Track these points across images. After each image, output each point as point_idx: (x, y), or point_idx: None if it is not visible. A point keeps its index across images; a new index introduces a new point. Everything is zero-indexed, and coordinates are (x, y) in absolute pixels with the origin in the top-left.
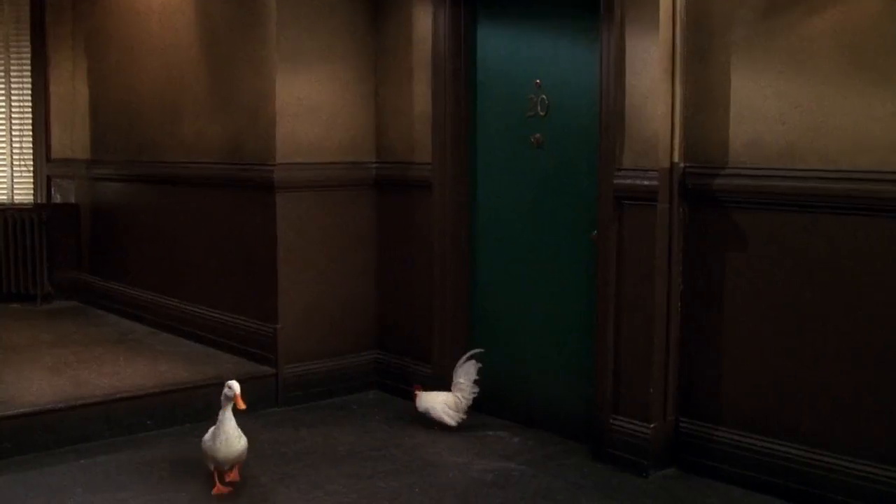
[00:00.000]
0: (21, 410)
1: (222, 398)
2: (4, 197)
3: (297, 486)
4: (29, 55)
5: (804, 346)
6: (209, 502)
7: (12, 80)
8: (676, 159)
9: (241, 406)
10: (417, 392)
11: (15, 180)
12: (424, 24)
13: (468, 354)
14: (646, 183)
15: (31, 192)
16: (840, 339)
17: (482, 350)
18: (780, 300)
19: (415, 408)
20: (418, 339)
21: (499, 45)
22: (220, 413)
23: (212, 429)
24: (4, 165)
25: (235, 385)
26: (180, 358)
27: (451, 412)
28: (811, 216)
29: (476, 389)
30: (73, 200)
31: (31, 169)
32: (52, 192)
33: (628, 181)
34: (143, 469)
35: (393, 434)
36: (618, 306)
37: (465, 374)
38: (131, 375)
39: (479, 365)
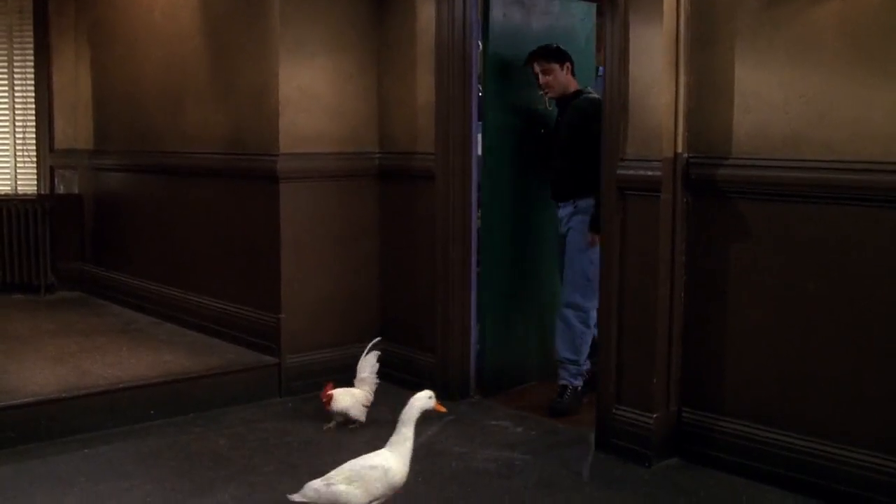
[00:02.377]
0: (24, 400)
1: (414, 410)
2: (8, 187)
3: (300, 476)
4: (32, 45)
5: (807, 336)
6: (212, 491)
7: (15, 70)
8: (680, 149)
9: (443, 409)
10: (333, 392)
11: (18, 171)
12: (428, 14)
13: (370, 346)
14: (649, 173)
15: (35, 182)
16: (843, 329)
17: (379, 338)
18: (783, 291)
19: (326, 408)
20: (422, 329)
21: (509, 33)
22: (404, 430)
23: (383, 455)
24: (7, 156)
25: (431, 393)
26: (183, 348)
27: (364, 409)
28: (815, 207)
29: (378, 380)
30: (76, 191)
31: (35, 159)
32: (56, 182)
33: (631, 171)
34: (147, 459)
35: (396, 423)
36: (621, 297)
37: (370, 368)
38: (134, 365)
39: (379, 353)
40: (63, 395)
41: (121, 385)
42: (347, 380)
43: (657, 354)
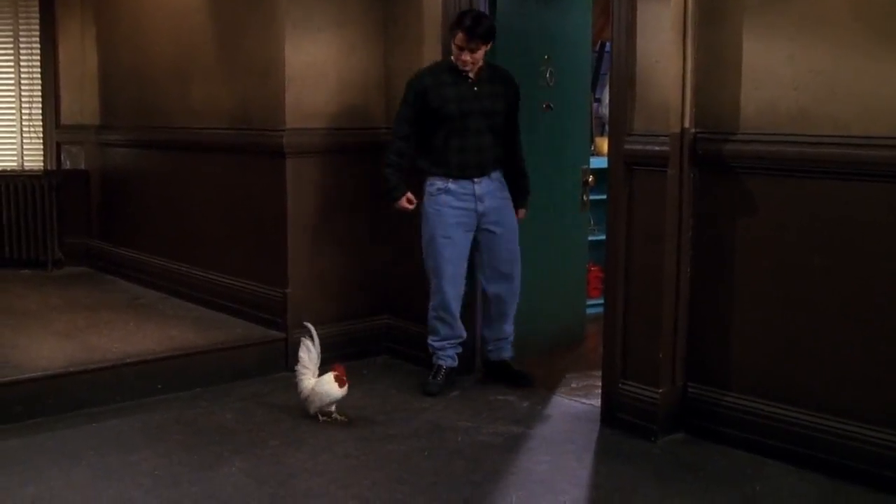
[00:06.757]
0: (32, 375)
1: None
2: (14, 163)
3: (307, 449)
4: (38, 20)
5: (813, 312)
6: (219, 465)
7: (21, 46)
8: (687, 124)
9: None
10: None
11: (25, 147)
12: None
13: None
14: (656, 148)
15: (41, 158)
16: (850, 304)
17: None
18: (789, 266)
19: (341, 386)
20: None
21: (516, 6)
22: None
23: None
24: (14, 132)
25: None
26: (190, 322)
27: None
28: (823, 183)
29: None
30: (82, 166)
31: (41, 135)
32: (62, 158)
33: (639, 146)
34: (154, 432)
35: (402, 398)
36: (627, 272)
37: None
38: (141, 340)
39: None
40: (71, 369)
41: (128, 360)
42: (353, 353)
43: (663, 329)
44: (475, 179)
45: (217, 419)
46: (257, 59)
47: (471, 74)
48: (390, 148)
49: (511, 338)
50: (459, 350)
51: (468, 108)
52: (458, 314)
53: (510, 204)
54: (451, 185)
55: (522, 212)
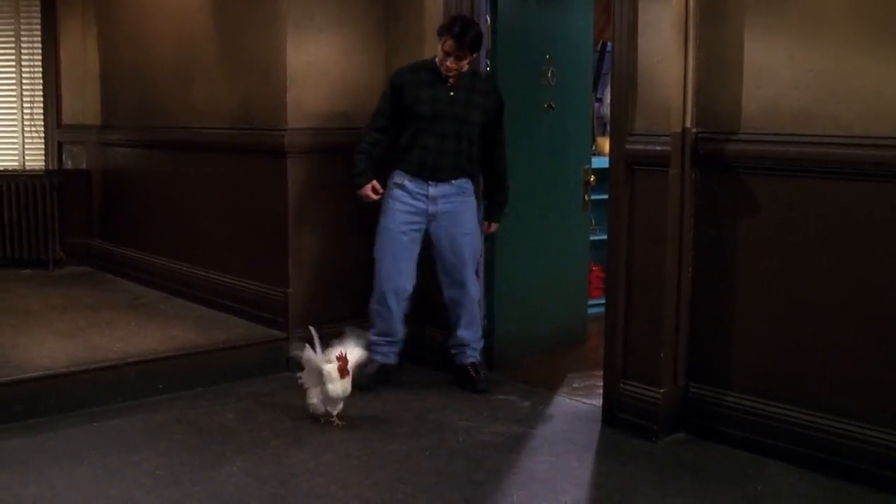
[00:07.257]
0: (34, 374)
1: None
2: (16, 163)
3: (308, 449)
4: (39, 20)
5: (815, 312)
6: (220, 465)
7: (22, 45)
8: (689, 124)
9: None
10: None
11: (26, 146)
12: None
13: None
14: (657, 148)
15: (43, 158)
16: (851, 304)
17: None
18: (791, 266)
19: (342, 376)
20: (429, 304)
21: (517, 7)
22: None
23: None
24: (16, 132)
25: None
26: (191, 322)
27: None
28: (825, 182)
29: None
30: (84, 166)
31: (42, 135)
32: (63, 158)
33: (640, 146)
34: (156, 432)
35: (403, 398)
36: (628, 272)
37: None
38: (143, 340)
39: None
40: (72, 369)
41: (129, 359)
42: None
43: (664, 329)
44: (430, 182)
45: (218, 419)
46: (259, 58)
47: (450, 79)
48: (364, 137)
49: (473, 344)
50: (396, 349)
51: (440, 110)
52: (396, 312)
53: (468, 211)
54: (408, 183)
55: (494, 226)
